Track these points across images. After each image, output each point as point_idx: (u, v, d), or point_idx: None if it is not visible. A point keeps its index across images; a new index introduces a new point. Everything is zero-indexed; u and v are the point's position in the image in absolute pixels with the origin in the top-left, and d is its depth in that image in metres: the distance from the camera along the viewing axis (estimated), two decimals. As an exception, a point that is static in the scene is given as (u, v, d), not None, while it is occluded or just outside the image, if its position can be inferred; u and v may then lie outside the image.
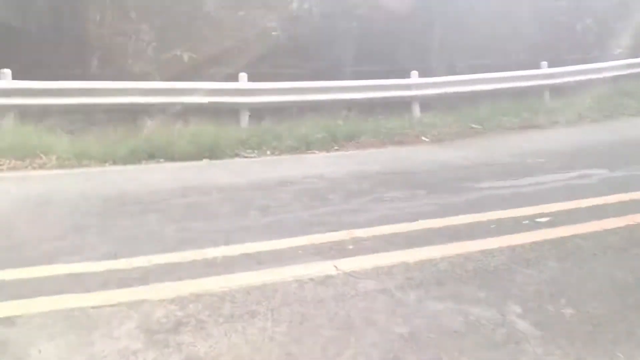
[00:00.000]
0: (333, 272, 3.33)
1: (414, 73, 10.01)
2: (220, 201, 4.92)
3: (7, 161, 6.46)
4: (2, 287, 3.11)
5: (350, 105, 9.71)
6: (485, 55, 11.74)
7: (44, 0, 11.41)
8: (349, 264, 3.45)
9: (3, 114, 7.69)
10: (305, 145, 7.90)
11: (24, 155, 6.63)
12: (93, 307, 2.89)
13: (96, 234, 4.04)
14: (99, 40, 12.16)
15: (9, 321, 2.73)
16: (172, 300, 2.98)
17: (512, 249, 3.63)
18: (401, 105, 10.16)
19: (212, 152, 7.18)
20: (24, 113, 7.94)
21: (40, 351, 2.50)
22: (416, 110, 9.98)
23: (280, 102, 9.27)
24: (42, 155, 6.69)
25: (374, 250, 3.70)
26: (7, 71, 7.84)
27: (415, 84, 10.01)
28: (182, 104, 8.80)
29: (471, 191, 5.16)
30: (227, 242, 3.90)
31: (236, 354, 2.51)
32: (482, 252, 3.58)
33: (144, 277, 3.30)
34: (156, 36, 12.90)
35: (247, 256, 3.63)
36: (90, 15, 12.56)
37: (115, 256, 3.60)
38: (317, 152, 7.79)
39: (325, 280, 3.23)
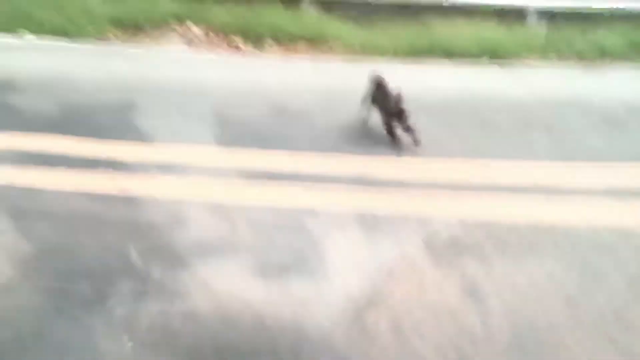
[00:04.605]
0: (631, 222, 3.02)
1: None
2: (501, 112, 4.67)
3: (305, 49, 7.02)
4: (305, 174, 3.49)
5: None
6: None
7: None
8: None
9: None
10: (601, 55, 6.97)
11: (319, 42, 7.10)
12: (381, 209, 3.10)
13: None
14: None
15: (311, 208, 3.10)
16: (455, 220, 3.03)
17: None
18: None
19: (495, 53, 6.80)
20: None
21: (335, 243, 2.80)
22: None
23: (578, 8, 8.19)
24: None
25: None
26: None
27: None
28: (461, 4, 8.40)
29: None
30: (510, 159, 3.73)
31: (519, 293, 2.50)
32: None
33: (430, 186, 3.37)
34: None
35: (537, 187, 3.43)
36: None
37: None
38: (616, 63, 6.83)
39: (622, 230, 2.94)
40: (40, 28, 6.91)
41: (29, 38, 6.84)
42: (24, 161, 3.52)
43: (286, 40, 7.11)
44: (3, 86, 4.88)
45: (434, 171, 3.58)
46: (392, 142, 3.89)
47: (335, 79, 5.78)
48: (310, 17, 7.90)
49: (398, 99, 3.88)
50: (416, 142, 3.81)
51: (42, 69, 5.50)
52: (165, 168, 3.52)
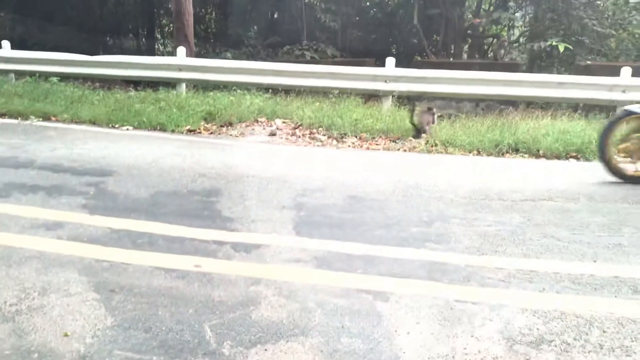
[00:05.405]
0: None
1: None
2: (588, 210, 4.54)
3: (383, 142, 7.17)
4: (379, 263, 3.48)
5: None
6: None
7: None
8: None
9: (386, 97, 8.64)
10: None
11: (397, 137, 7.26)
12: (456, 301, 3.01)
13: (459, 225, 4.17)
14: (473, 28, 12.55)
15: (384, 296, 3.05)
16: (534, 312, 2.89)
17: None
18: None
19: (581, 151, 6.66)
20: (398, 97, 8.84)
21: (408, 333, 2.71)
22: None
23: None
24: (412, 138, 7.23)
25: None
26: (392, 60, 8.79)
27: None
28: (551, 97, 8.41)
29: None
30: (595, 259, 3.60)
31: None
32: None
33: (506, 280, 3.28)
34: (529, 24, 12.62)
35: (618, 280, 3.28)
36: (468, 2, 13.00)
37: (478, 252, 3.67)
38: None
39: None
40: (141, 123, 7.56)
41: (128, 129, 7.45)
42: (113, 239, 3.72)
43: (366, 134, 7.33)
44: (100, 172, 5.28)
45: (510, 266, 3.48)
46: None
47: (413, 171, 5.85)
48: (391, 112, 8.17)
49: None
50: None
51: (136, 157, 5.92)
52: (241, 250, 3.61)
